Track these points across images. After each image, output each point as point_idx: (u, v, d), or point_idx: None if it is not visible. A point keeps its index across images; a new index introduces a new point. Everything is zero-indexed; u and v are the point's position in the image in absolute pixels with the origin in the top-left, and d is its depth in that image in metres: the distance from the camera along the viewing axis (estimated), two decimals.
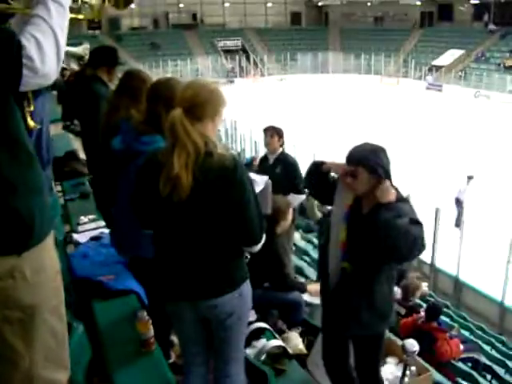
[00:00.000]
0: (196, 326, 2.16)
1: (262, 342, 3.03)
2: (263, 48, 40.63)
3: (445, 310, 6.76)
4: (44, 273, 1.59)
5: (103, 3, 1.74)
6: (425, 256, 9.41)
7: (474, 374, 5.11)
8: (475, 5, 37.51)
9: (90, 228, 3.61)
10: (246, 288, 2.10)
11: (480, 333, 6.97)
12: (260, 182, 2.33)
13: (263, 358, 2.91)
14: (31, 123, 1.96)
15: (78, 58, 4.71)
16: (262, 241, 2.07)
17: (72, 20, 1.56)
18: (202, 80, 2.13)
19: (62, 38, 1.46)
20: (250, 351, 2.93)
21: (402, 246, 2.22)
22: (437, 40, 36.92)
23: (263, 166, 5.34)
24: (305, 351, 3.34)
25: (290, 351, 3.06)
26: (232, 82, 35.90)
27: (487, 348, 6.42)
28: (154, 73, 27.00)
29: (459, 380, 4.86)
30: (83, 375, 2.14)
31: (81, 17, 1.74)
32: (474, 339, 6.44)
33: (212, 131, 1.99)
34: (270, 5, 43.60)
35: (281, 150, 5.27)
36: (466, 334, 6.63)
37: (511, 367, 5.96)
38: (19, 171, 1.49)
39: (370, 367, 2.79)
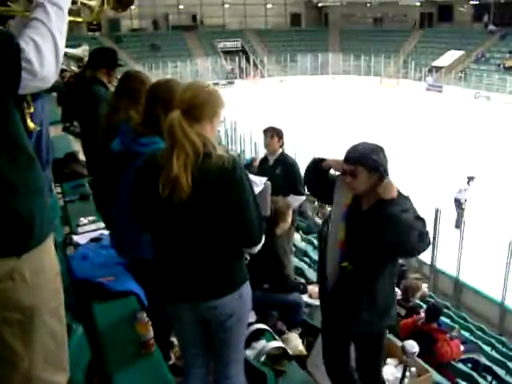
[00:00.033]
0: (196, 327, 2.16)
1: (261, 343, 3.03)
2: (263, 49, 40.65)
3: (445, 310, 6.75)
4: (43, 274, 1.59)
5: (102, 6, 1.74)
6: (425, 257, 9.42)
7: (475, 375, 5.10)
8: (475, 5, 37.54)
9: (90, 229, 3.61)
10: (246, 289, 2.10)
11: (480, 334, 6.97)
12: (259, 183, 2.33)
13: (263, 359, 2.91)
14: (31, 125, 1.97)
15: (77, 59, 4.71)
16: (262, 242, 2.07)
17: (71, 23, 1.56)
18: (201, 82, 2.14)
19: (61, 41, 1.46)
20: (249, 352, 2.93)
21: (406, 240, 2.25)
22: (437, 41, 36.95)
23: (263, 167, 5.34)
24: (305, 352, 3.34)
25: (290, 352, 3.06)
26: (232, 83, 35.93)
27: (487, 349, 6.42)
28: (154, 74, 27.01)
29: (459, 381, 4.86)
30: (83, 377, 2.15)
31: (80, 19, 1.73)
32: (474, 340, 6.44)
33: (211, 133, 1.99)
34: (269, 6, 43.62)
35: (281, 150, 5.27)
36: (466, 334, 6.63)
37: None
38: (19, 173, 1.49)
39: (371, 367, 2.78)
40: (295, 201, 5.00)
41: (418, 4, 40.18)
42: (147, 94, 2.44)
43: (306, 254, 8.10)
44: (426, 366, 3.47)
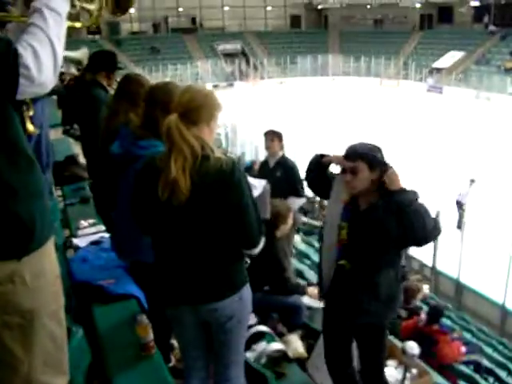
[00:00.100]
0: (196, 329, 2.17)
1: (262, 346, 3.04)
2: (263, 51, 40.68)
3: (446, 312, 6.74)
4: (44, 277, 1.59)
5: (101, 10, 1.74)
6: (426, 258, 9.41)
7: (476, 376, 5.09)
8: (475, 6, 37.56)
9: (90, 232, 3.61)
10: (246, 291, 2.11)
11: (481, 335, 6.96)
12: (258, 186, 2.34)
13: (263, 361, 2.91)
14: (31, 128, 1.98)
15: (77, 62, 4.72)
16: (262, 244, 2.07)
17: (70, 28, 1.57)
18: (198, 85, 2.15)
19: (59, 47, 1.45)
20: (250, 355, 2.94)
21: (424, 225, 2.29)
22: (437, 42, 36.96)
23: (264, 170, 5.35)
24: (305, 354, 3.34)
25: (290, 354, 3.06)
26: (232, 85, 35.95)
27: (489, 350, 6.40)
28: (154, 77, 27.00)
29: (461, 383, 4.85)
30: (83, 379, 2.15)
31: (78, 25, 1.73)
32: (476, 342, 6.43)
33: (208, 135, 2.00)
34: (269, 8, 43.68)
35: (281, 153, 5.28)
36: (468, 336, 6.62)
37: None
38: (19, 175, 1.49)
39: (374, 366, 2.77)
40: (295, 203, 5.01)
41: (418, 5, 40.23)
42: (146, 96, 2.45)
43: (306, 255, 8.09)
44: (427, 368, 3.47)
